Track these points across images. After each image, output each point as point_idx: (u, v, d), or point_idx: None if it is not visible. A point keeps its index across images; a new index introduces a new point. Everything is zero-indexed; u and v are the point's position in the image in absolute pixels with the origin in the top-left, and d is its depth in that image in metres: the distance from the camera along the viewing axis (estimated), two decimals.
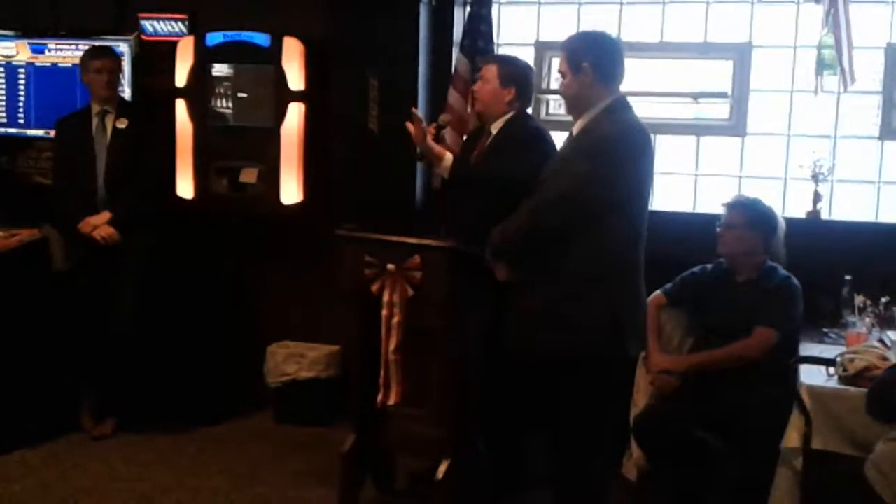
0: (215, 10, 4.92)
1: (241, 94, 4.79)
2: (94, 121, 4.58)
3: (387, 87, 4.76)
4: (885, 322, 3.77)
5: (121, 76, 4.74)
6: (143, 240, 4.55)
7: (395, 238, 3.55)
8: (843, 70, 4.14)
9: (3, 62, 5.14)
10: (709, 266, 3.95)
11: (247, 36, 4.73)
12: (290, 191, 4.77)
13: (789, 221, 3.99)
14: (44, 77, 5.11)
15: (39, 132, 5.13)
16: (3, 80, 5.15)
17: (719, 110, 4.73)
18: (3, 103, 5.16)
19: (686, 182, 4.79)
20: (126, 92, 4.89)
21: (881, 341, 3.56)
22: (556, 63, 4.74)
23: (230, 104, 4.81)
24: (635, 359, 3.79)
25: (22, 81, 5.13)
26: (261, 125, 4.75)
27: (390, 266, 3.50)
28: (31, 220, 4.75)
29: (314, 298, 4.87)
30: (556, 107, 4.93)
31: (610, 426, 3.34)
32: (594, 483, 3.21)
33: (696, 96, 4.74)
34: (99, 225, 4.47)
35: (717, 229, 3.85)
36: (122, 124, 4.58)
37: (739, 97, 4.63)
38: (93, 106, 4.60)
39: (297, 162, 4.77)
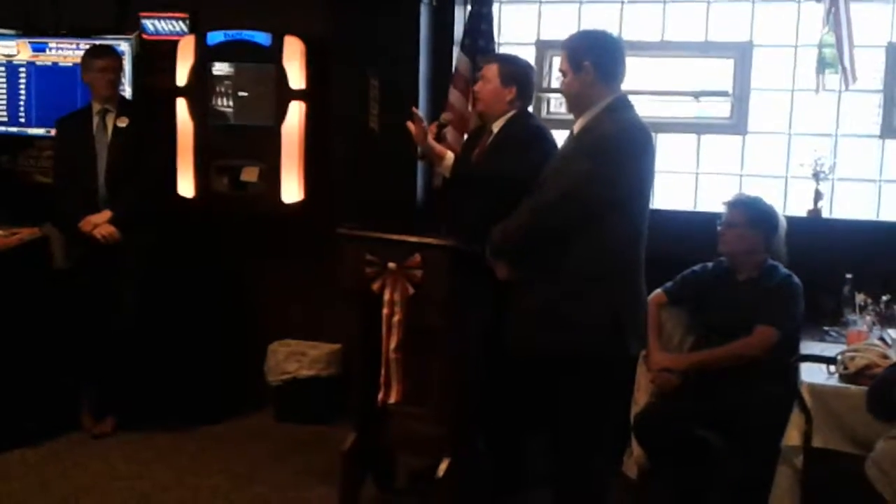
0: (216, 9, 4.92)
1: (241, 93, 4.79)
2: (95, 120, 4.58)
3: (387, 86, 4.76)
4: (885, 320, 3.76)
5: (122, 75, 4.75)
6: (144, 238, 4.55)
7: (395, 237, 3.55)
8: (844, 69, 4.14)
9: (4, 61, 5.14)
10: (710, 264, 3.95)
11: (247, 35, 4.73)
12: (291, 190, 4.77)
13: (790, 220, 3.99)
14: (44, 76, 5.11)
15: (40, 131, 5.13)
16: (3, 79, 5.15)
17: (720, 109, 4.74)
18: (4, 102, 5.16)
19: (687, 180, 4.79)
20: (127, 91, 4.89)
21: (882, 339, 3.56)
22: (556, 62, 4.74)
23: (231, 103, 4.81)
24: (636, 357, 3.79)
25: (23, 80, 5.13)
26: (261, 124, 4.75)
27: (391, 265, 3.50)
28: (31, 218, 4.75)
29: (315, 297, 4.87)
30: (556, 105, 4.93)
31: (610, 425, 3.34)
32: (595, 482, 3.21)
33: (696, 95, 4.74)
34: (99, 224, 4.47)
35: (718, 228, 3.84)
36: (123, 123, 4.58)
37: (740, 96, 4.63)
38: (93, 105, 4.60)
39: (298, 161, 4.77)
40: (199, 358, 4.90)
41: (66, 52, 5.05)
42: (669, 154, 4.72)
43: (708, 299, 3.87)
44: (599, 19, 4.74)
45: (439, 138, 3.88)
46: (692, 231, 4.16)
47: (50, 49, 5.09)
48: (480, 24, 4.66)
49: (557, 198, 3.01)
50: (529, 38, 4.96)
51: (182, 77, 4.82)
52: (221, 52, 4.77)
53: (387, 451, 3.90)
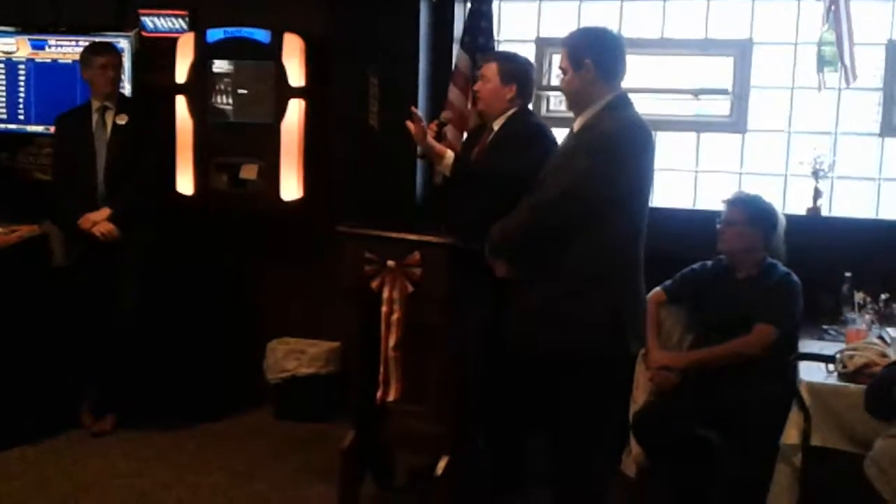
0: (215, 6, 4.92)
1: (241, 91, 4.79)
2: (94, 117, 4.58)
3: (387, 84, 4.76)
4: (884, 319, 3.77)
5: (122, 72, 4.74)
6: (143, 236, 4.55)
7: (395, 234, 3.55)
8: (844, 67, 4.14)
9: (4, 58, 5.14)
10: (709, 263, 3.95)
11: (247, 32, 4.73)
12: (291, 187, 4.77)
13: (789, 218, 3.99)
14: (44, 73, 5.11)
15: (39, 128, 5.13)
16: (3, 77, 5.15)
17: (720, 107, 4.73)
18: (4, 99, 5.16)
19: (686, 179, 4.79)
20: (126, 88, 4.89)
21: (881, 338, 3.56)
22: (556, 59, 4.73)
23: (230, 100, 4.81)
24: (635, 356, 3.78)
25: (22, 77, 5.13)
26: (261, 121, 4.75)
27: (390, 262, 3.50)
28: (31, 216, 4.75)
29: (314, 295, 4.87)
30: (556, 103, 4.92)
31: (610, 424, 3.34)
32: (594, 481, 3.21)
33: (696, 93, 4.73)
34: (99, 221, 4.47)
35: (718, 226, 3.84)
36: (123, 120, 4.58)
37: (740, 94, 4.62)
38: (93, 102, 4.59)
39: (298, 158, 4.77)
40: (198, 356, 4.90)
41: (66, 49, 5.05)
42: (669, 152, 4.72)
43: (707, 297, 3.87)
44: (599, 16, 4.74)
45: (439, 137, 3.87)
46: (691, 229, 4.15)
47: (49, 46, 5.09)
48: (480, 22, 4.66)
49: (557, 196, 3.01)
50: (529, 36, 4.96)
51: (181, 74, 4.82)
52: (221, 50, 4.78)
53: (386, 448, 3.91)
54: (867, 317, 3.75)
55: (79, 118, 4.61)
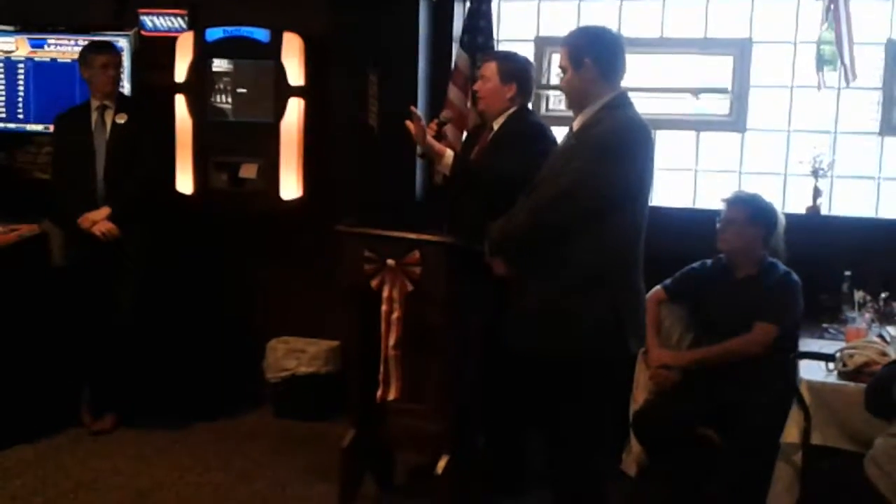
0: (215, 5, 4.91)
1: (240, 90, 4.79)
2: (94, 116, 4.57)
3: (386, 83, 4.76)
4: (884, 317, 3.78)
5: (121, 72, 4.74)
6: (143, 235, 4.55)
7: (394, 233, 3.54)
8: (844, 66, 4.14)
9: (3, 57, 5.13)
10: (709, 262, 3.95)
11: (246, 31, 4.73)
12: (290, 186, 4.77)
13: (789, 217, 3.99)
14: (43, 72, 5.11)
15: (38, 127, 5.12)
16: (2, 76, 5.14)
17: (719, 106, 4.74)
18: (3, 98, 5.15)
19: (686, 178, 4.79)
20: (125, 87, 4.88)
21: (881, 336, 3.57)
22: (556, 58, 4.74)
23: (230, 99, 4.81)
24: (635, 355, 3.78)
25: (21, 77, 5.13)
26: (260, 120, 4.75)
27: (390, 261, 3.50)
28: (30, 215, 4.75)
29: (314, 294, 4.87)
30: (556, 102, 4.93)
31: (609, 423, 3.34)
32: (594, 480, 3.20)
33: (696, 92, 4.73)
34: (98, 220, 4.47)
35: (717, 225, 3.84)
36: (122, 120, 4.57)
37: (739, 93, 4.63)
38: (92, 101, 4.59)
39: (297, 157, 4.77)
40: (198, 355, 4.90)
41: (65, 48, 5.05)
42: (668, 151, 4.72)
43: (707, 296, 3.87)
44: (598, 16, 4.74)
45: (439, 136, 3.87)
46: (691, 228, 4.15)
47: (48, 45, 5.09)
48: (479, 21, 4.66)
49: (557, 195, 3.00)
50: (528, 35, 4.96)
51: (181, 73, 4.82)
52: (220, 49, 4.77)
53: (386, 448, 3.90)
54: (867, 315, 3.75)
55: (78, 117, 4.60)
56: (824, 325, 3.86)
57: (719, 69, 4.68)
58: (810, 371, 3.32)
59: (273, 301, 5.02)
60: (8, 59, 5.13)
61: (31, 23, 5.12)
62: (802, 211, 4.41)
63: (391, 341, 3.53)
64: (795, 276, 3.77)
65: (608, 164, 2.96)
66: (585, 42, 3.10)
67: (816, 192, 4.40)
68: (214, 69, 4.79)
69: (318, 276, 4.76)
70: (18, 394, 4.39)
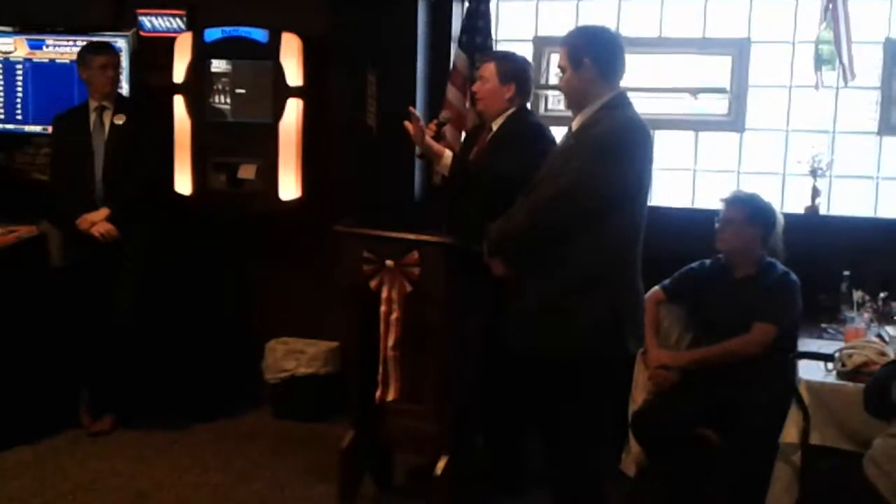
0: (213, 5, 4.91)
1: (239, 90, 4.79)
2: (92, 117, 4.57)
3: (385, 83, 4.76)
4: (883, 317, 3.78)
5: (120, 72, 4.73)
6: (142, 236, 4.55)
7: (393, 234, 3.54)
8: (842, 65, 4.14)
9: (1, 58, 5.13)
10: (707, 262, 3.95)
11: (245, 31, 4.72)
12: (289, 187, 4.77)
13: (788, 217, 3.98)
14: (41, 73, 5.11)
15: (37, 128, 5.12)
16: (0, 77, 5.14)
17: (718, 105, 4.74)
18: (1, 99, 5.15)
19: (685, 177, 4.79)
20: (124, 88, 4.88)
21: (879, 336, 3.57)
22: (554, 58, 4.73)
23: (228, 100, 4.80)
24: (634, 356, 3.78)
25: (20, 77, 5.13)
26: (259, 121, 4.75)
27: (389, 262, 3.50)
28: (28, 216, 4.74)
29: (313, 295, 4.87)
30: (555, 102, 4.93)
31: (608, 424, 3.34)
32: (593, 480, 3.20)
33: (694, 92, 4.73)
34: (97, 221, 4.46)
35: (716, 225, 3.84)
36: (120, 120, 4.57)
37: (738, 92, 4.63)
38: (90, 102, 4.59)
39: (296, 158, 4.77)
40: (197, 356, 4.90)
41: (64, 48, 5.04)
42: (667, 151, 4.71)
43: (706, 296, 3.87)
44: (597, 15, 4.74)
45: (438, 137, 3.87)
46: (690, 228, 4.15)
47: (47, 46, 5.09)
48: (478, 21, 4.66)
49: (556, 195, 2.99)
50: (527, 35, 4.96)
51: (179, 74, 4.82)
52: (219, 49, 4.77)
53: (385, 448, 3.90)
54: (866, 315, 3.75)
55: (76, 118, 4.60)
56: (823, 325, 3.86)
57: (718, 69, 4.68)
58: (809, 371, 3.32)
59: (272, 302, 5.01)
60: (6, 59, 5.13)
61: (30, 23, 5.11)
62: (801, 211, 4.41)
63: (390, 342, 3.53)
64: (794, 276, 3.77)
65: (607, 165, 2.95)
66: (584, 42, 3.10)
67: (815, 192, 4.40)
68: (213, 70, 4.79)
69: (317, 277, 4.76)
70: (17, 395, 4.39)
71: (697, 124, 4.77)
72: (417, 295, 3.49)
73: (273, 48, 4.69)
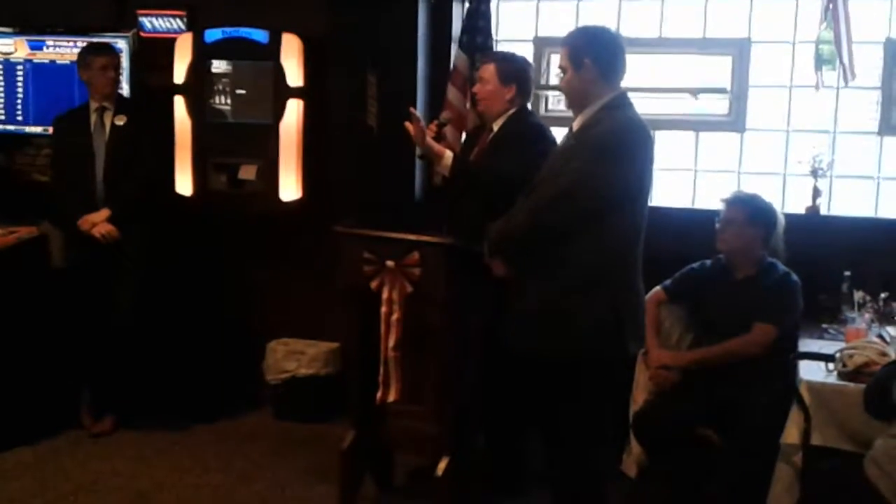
0: (214, 6, 4.91)
1: (239, 91, 4.79)
2: (93, 118, 4.57)
3: (385, 84, 4.75)
4: (884, 318, 3.77)
5: (120, 73, 4.73)
6: (142, 237, 4.55)
7: (394, 234, 3.54)
8: (842, 65, 4.14)
9: (1, 59, 5.13)
10: (708, 262, 3.95)
11: (245, 32, 4.72)
12: (289, 187, 4.76)
13: (788, 217, 3.98)
14: (42, 74, 5.11)
15: (37, 129, 5.12)
16: (1, 78, 5.14)
17: (718, 106, 4.73)
18: (2, 100, 5.15)
19: (685, 178, 4.78)
20: (125, 89, 4.88)
21: (880, 337, 3.57)
22: (555, 59, 4.73)
23: (229, 101, 4.80)
24: (634, 356, 3.78)
25: (20, 78, 5.13)
26: (259, 122, 4.75)
27: (389, 263, 3.50)
28: (29, 217, 4.75)
29: (313, 295, 4.86)
30: (555, 102, 4.92)
31: (609, 424, 3.33)
32: (594, 481, 3.20)
33: (695, 92, 4.73)
34: (98, 222, 4.46)
35: (717, 225, 3.84)
36: (121, 121, 4.57)
37: (738, 93, 4.62)
38: (91, 103, 4.59)
39: (296, 159, 4.76)
40: (197, 357, 4.90)
41: (64, 49, 5.05)
42: (668, 151, 4.71)
43: (707, 297, 3.86)
44: (597, 16, 4.74)
45: (438, 137, 3.87)
46: (690, 229, 4.15)
47: (47, 47, 5.09)
48: (478, 21, 4.66)
49: (556, 196, 2.99)
50: (527, 35, 4.96)
51: (180, 75, 4.82)
52: (219, 50, 4.77)
53: (386, 449, 3.90)
54: (867, 316, 3.75)
55: (77, 119, 4.60)
56: (824, 326, 3.86)
57: (718, 69, 4.68)
58: (810, 371, 3.31)
59: (273, 302, 5.01)
60: (7, 60, 5.13)
61: (30, 24, 5.11)
62: (802, 211, 4.40)
63: (391, 343, 3.53)
64: (795, 277, 3.77)
65: (607, 165, 2.95)
66: (585, 42, 3.10)
67: (816, 192, 4.40)
68: (213, 70, 4.79)
69: (317, 278, 4.75)
70: (18, 396, 4.39)
71: (698, 124, 4.76)
72: (418, 295, 3.49)
73: (273, 49, 4.69)
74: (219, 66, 4.79)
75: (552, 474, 3.25)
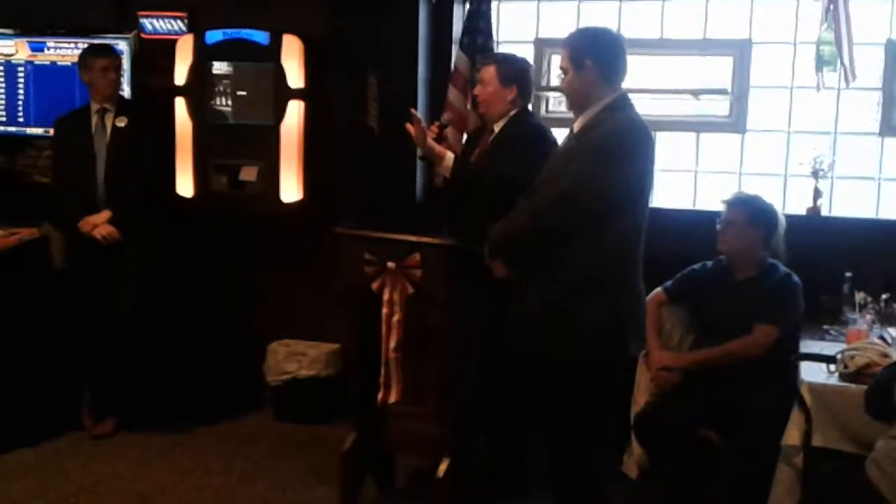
0: (214, 7, 4.91)
1: (240, 92, 4.79)
2: (94, 119, 4.57)
3: (386, 85, 4.76)
4: (885, 319, 3.77)
5: (121, 74, 4.73)
6: (143, 238, 4.56)
7: (394, 236, 3.54)
8: (843, 66, 4.13)
9: (3, 61, 5.13)
10: (709, 263, 3.94)
11: (246, 34, 4.72)
12: (290, 189, 4.77)
13: (789, 218, 3.98)
14: (43, 75, 5.11)
15: (39, 131, 5.13)
16: (2, 79, 5.14)
17: (719, 107, 4.73)
18: (3, 102, 5.16)
19: (686, 179, 4.78)
20: (125, 90, 4.88)
21: (882, 338, 3.57)
22: (555, 60, 4.74)
23: (230, 102, 4.81)
24: (635, 358, 3.78)
25: (21, 80, 5.13)
26: (260, 123, 4.75)
27: (390, 264, 3.50)
28: (30, 219, 4.75)
29: (314, 297, 4.86)
30: (556, 104, 4.92)
31: (610, 425, 3.33)
32: (595, 482, 3.20)
33: (696, 93, 4.73)
34: (99, 224, 4.47)
35: (718, 227, 3.84)
36: (122, 123, 4.57)
37: (739, 94, 4.62)
38: (92, 104, 4.59)
39: (297, 160, 4.77)
40: (198, 358, 4.90)
41: (65, 51, 5.05)
42: (669, 152, 4.71)
43: (708, 298, 3.86)
44: (598, 17, 4.74)
45: (440, 139, 3.87)
46: (691, 230, 4.15)
47: (48, 48, 5.09)
48: (479, 23, 4.66)
49: (557, 197, 2.99)
50: (528, 37, 4.95)
51: (181, 76, 4.82)
52: (220, 51, 4.77)
53: (387, 450, 3.90)
54: (868, 317, 3.75)
55: (78, 121, 4.60)
56: (825, 327, 3.86)
57: (719, 70, 4.68)
58: (811, 373, 3.31)
59: (273, 304, 5.01)
60: (8, 62, 5.13)
61: (31, 26, 5.12)
62: (803, 212, 4.40)
63: (392, 344, 3.53)
64: (796, 278, 3.77)
65: (608, 166, 2.95)
66: (586, 43, 3.09)
67: (817, 193, 4.40)
68: (214, 72, 4.79)
69: (318, 279, 4.75)
70: (19, 397, 4.39)
71: (699, 125, 4.76)
72: (419, 297, 3.49)
73: (274, 50, 4.69)
74: (220, 67, 4.79)
75: (553, 475, 3.25)
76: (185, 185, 4.85)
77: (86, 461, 4.28)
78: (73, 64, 4.78)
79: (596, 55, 3.04)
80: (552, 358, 3.05)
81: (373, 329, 3.59)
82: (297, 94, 4.72)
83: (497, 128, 3.87)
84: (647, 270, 3.14)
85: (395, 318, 3.51)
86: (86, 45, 4.71)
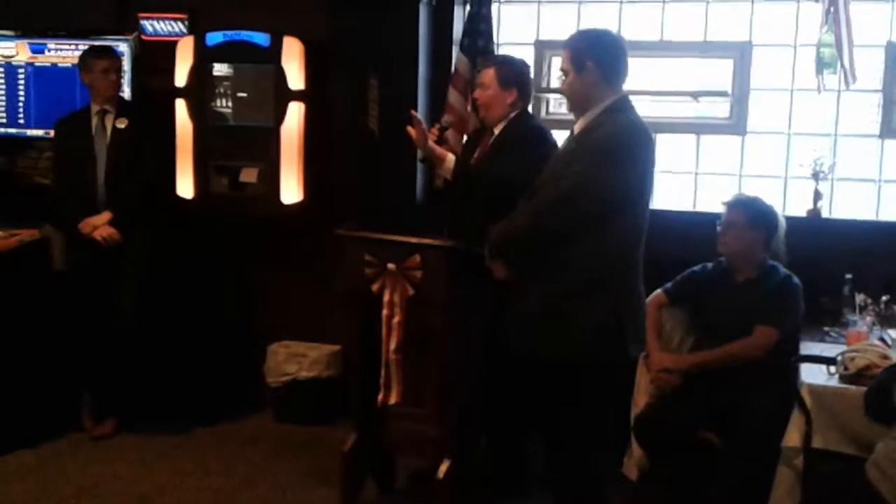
0: (215, 9, 4.91)
1: (240, 94, 4.79)
2: (94, 121, 4.58)
3: (387, 87, 4.76)
4: (885, 320, 3.77)
5: (122, 76, 4.74)
6: (144, 240, 4.56)
7: (395, 237, 3.55)
8: (843, 68, 4.14)
9: (3, 62, 5.13)
10: (709, 265, 3.95)
11: (246, 35, 4.72)
12: (290, 190, 4.77)
13: (790, 220, 3.99)
14: (43, 77, 5.11)
15: (39, 132, 5.12)
16: (2, 81, 5.14)
17: (719, 109, 4.73)
18: (3, 103, 5.15)
19: (686, 181, 4.78)
20: (126, 92, 4.88)
21: (882, 340, 3.57)
22: (556, 62, 4.74)
23: (230, 104, 4.80)
24: (635, 360, 3.78)
25: (21, 81, 5.13)
26: (261, 125, 4.75)
27: (391, 265, 3.50)
28: (31, 220, 4.75)
29: (315, 298, 4.86)
30: (556, 106, 4.92)
31: (610, 427, 3.33)
32: (595, 484, 3.20)
33: (696, 95, 4.73)
34: (99, 225, 4.47)
35: (718, 228, 3.84)
36: (122, 124, 4.58)
37: (740, 96, 4.62)
38: (92, 106, 4.59)
39: (297, 161, 4.77)
40: (198, 359, 4.90)
41: (65, 52, 5.05)
42: (669, 154, 4.71)
43: (708, 300, 3.86)
44: (598, 19, 4.74)
45: (440, 140, 3.87)
46: (692, 231, 4.15)
47: (49, 50, 5.09)
48: (479, 25, 4.66)
49: (557, 199, 3.00)
50: (528, 39, 4.96)
51: (181, 78, 4.82)
52: (220, 53, 4.77)
53: (387, 452, 3.90)
54: (868, 319, 3.74)
55: (78, 122, 4.61)
56: (825, 329, 3.86)
57: (719, 72, 4.68)
58: (811, 374, 3.32)
59: (274, 305, 5.01)
60: (8, 63, 5.13)
61: (32, 27, 5.12)
62: (803, 214, 4.40)
63: (392, 345, 3.53)
64: (796, 280, 3.77)
65: (609, 168, 2.96)
66: (587, 45, 3.10)
67: (817, 195, 4.40)
68: (215, 73, 4.79)
69: (318, 281, 4.76)
70: (19, 399, 4.39)
71: (699, 127, 4.76)
72: (419, 298, 3.49)
73: (274, 52, 4.69)
74: (220, 69, 4.79)
75: (553, 477, 3.25)
76: (185, 187, 4.85)
77: (86, 462, 4.28)
78: (73, 65, 4.78)
79: (597, 57, 3.05)
80: (552, 359, 3.05)
81: (373, 330, 3.59)
82: (297, 95, 4.72)
83: (497, 130, 3.87)
84: (647, 272, 3.14)
85: (396, 319, 3.51)
86: (86, 47, 4.71)
